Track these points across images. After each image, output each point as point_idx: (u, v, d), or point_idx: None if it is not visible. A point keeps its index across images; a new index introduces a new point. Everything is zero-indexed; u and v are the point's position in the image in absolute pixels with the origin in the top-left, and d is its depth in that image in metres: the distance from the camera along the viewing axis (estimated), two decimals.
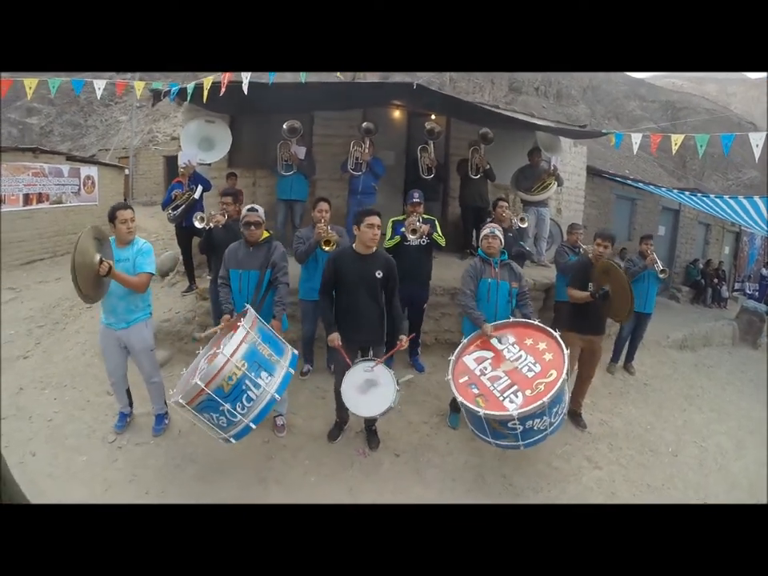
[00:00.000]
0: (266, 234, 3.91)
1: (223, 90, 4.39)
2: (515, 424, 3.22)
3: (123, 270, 3.49)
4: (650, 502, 3.88)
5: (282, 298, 3.79)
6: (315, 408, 4.38)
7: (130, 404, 4.09)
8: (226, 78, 4.35)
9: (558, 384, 3.26)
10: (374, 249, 3.66)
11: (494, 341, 3.78)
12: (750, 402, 6.48)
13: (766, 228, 8.53)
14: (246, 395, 3.10)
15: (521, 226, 5.01)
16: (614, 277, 4.06)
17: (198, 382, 2.95)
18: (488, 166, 6.66)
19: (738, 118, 33.97)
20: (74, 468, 3.57)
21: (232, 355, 3.04)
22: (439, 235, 4.72)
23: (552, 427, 3.40)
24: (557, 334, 3.65)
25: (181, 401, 3.03)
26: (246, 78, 4.23)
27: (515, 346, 3.69)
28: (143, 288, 3.63)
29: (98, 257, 3.20)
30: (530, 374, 3.45)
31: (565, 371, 3.34)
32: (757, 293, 15.89)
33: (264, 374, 3.20)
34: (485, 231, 4.16)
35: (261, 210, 3.87)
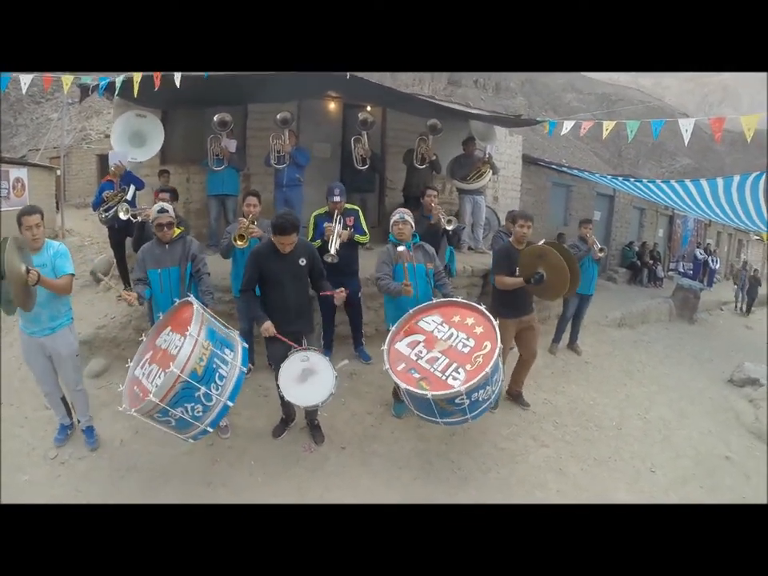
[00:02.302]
0: (177, 231, 3.88)
1: (157, 83, 4.21)
2: (463, 399, 3.26)
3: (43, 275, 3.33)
4: (598, 474, 4.02)
5: (207, 287, 3.81)
6: (258, 407, 4.29)
7: (69, 413, 3.91)
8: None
9: (496, 353, 3.33)
10: None
11: (421, 323, 3.78)
12: (689, 373, 6.82)
13: (696, 210, 8.91)
14: (218, 374, 3.10)
15: (447, 228, 4.99)
16: (549, 259, 4.11)
17: (175, 370, 2.85)
18: (434, 157, 6.68)
19: (671, 109, 35.59)
20: (17, 488, 3.38)
21: (198, 335, 3.00)
22: (364, 232, 4.72)
23: (494, 395, 3.51)
24: (482, 307, 3.70)
25: (153, 399, 2.87)
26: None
27: (444, 324, 3.71)
28: (69, 290, 3.56)
29: (23, 267, 3.08)
30: (466, 350, 3.49)
31: (498, 340, 3.41)
32: (691, 272, 16.71)
33: (227, 350, 3.23)
34: (394, 217, 4.12)
35: (171, 209, 3.85)
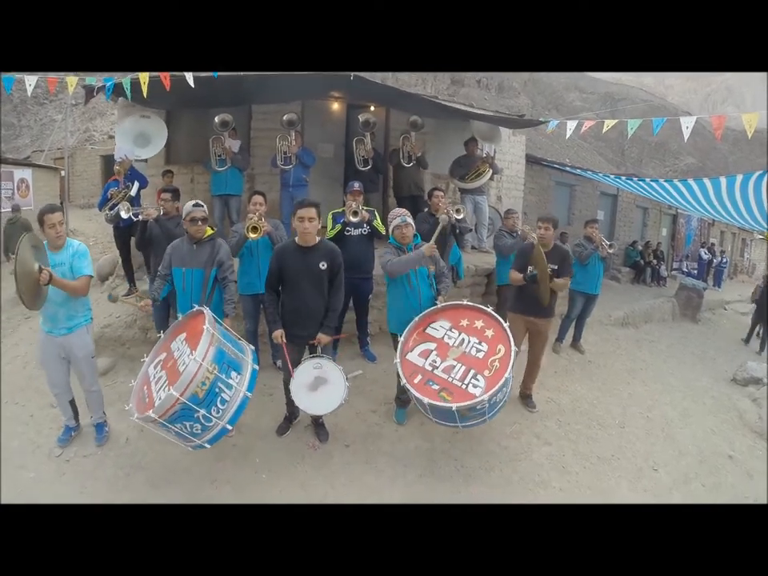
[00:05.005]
0: (209, 231, 3.83)
1: (167, 84, 4.22)
2: (484, 405, 3.27)
3: (60, 274, 3.36)
4: (601, 473, 4.02)
5: (231, 296, 3.76)
6: (263, 405, 4.30)
7: (76, 416, 3.92)
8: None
9: (512, 357, 3.35)
10: (318, 240, 3.61)
11: (429, 329, 3.76)
12: (693, 372, 6.80)
13: (699, 209, 8.90)
14: (219, 398, 3.07)
15: (457, 217, 5.00)
16: (540, 265, 4.18)
17: (174, 393, 2.86)
18: (420, 153, 6.65)
19: (675, 108, 35.49)
20: (22, 486, 3.41)
21: (203, 359, 2.97)
22: (379, 223, 4.73)
23: (507, 395, 3.55)
24: (489, 309, 3.70)
25: (152, 415, 2.90)
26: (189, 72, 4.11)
27: (453, 330, 3.68)
28: (85, 291, 3.55)
29: (36, 265, 3.10)
30: (481, 355, 3.48)
31: (512, 343, 3.42)
32: (695, 271, 16.68)
33: (234, 374, 3.18)
34: (395, 221, 4.04)
35: (205, 206, 3.81)
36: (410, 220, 4.06)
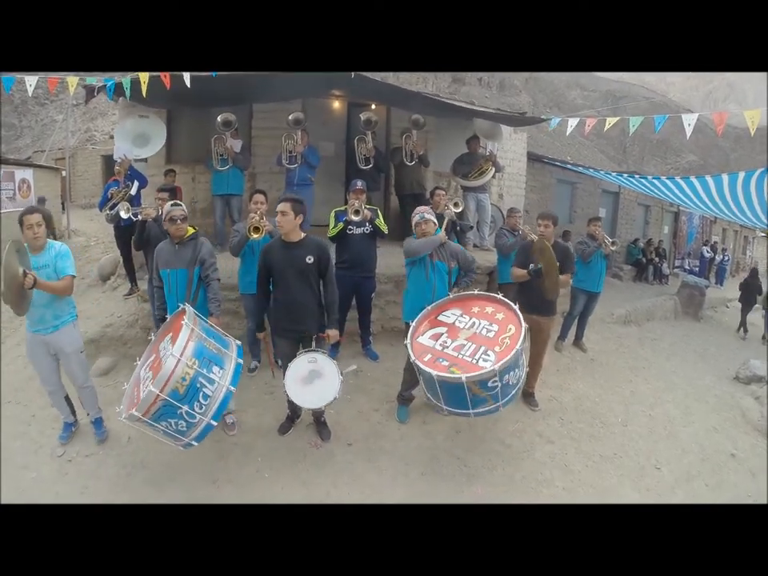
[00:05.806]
0: (191, 231, 3.83)
1: (168, 83, 4.22)
2: (495, 382, 3.20)
3: (45, 276, 3.37)
4: (603, 471, 4.02)
5: (215, 294, 3.76)
6: (264, 404, 4.32)
7: (73, 412, 3.95)
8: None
9: (522, 334, 3.33)
10: (303, 236, 3.63)
11: (441, 317, 3.78)
12: (695, 371, 6.79)
13: (701, 207, 8.87)
14: (201, 393, 3.04)
15: (456, 211, 5.00)
16: (546, 255, 4.17)
17: (153, 389, 2.85)
18: (422, 152, 6.65)
19: (676, 105, 35.43)
20: (24, 486, 3.41)
21: (182, 354, 2.95)
22: (381, 222, 4.73)
23: (521, 381, 3.48)
24: (500, 296, 3.72)
25: (136, 413, 2.90)
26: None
27: (464, 316, 3.70)
28: (70, 291, 3.58)
29: (21, 270, 3.11)
30: (491, 334, 3.48)
31: (523, 322, 3.42)
32: (697, 269, 16.66)
33: (216, 369, 3.15)
34: (416, 218, 4.13)
35: (183, 205, 3.82)
36: (430, 216, 4.13)
